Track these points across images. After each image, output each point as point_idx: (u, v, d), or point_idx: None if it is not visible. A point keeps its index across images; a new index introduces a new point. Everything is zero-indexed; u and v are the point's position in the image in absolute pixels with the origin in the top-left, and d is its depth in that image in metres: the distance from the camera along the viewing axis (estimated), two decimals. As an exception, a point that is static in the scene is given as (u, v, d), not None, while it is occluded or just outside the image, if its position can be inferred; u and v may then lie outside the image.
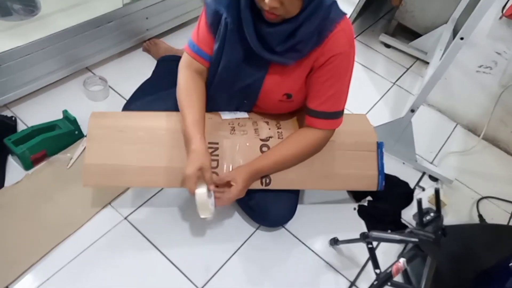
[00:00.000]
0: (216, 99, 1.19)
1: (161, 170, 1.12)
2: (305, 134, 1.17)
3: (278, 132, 1.22)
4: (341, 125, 1.18)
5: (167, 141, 1.14)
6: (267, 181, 1.19)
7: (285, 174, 1.19)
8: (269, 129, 1.22)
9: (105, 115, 1.21)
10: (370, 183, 1.30)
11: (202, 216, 1.06)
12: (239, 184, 1.09)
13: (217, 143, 1.16)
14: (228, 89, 1.16)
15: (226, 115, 1.23)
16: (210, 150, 1.14)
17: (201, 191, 1.00)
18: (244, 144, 1.18)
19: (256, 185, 1.18)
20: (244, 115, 1.25)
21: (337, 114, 1.14)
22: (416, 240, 0.94)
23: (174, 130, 1.16)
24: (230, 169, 1.15)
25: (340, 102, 1.13)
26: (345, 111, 1.17)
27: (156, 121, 1.18)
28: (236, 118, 1.23)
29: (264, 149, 1.18)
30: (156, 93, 1.37)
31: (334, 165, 1.26)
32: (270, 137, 1.20)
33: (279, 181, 1.20)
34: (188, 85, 1.11)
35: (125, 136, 1.13)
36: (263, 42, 1.02)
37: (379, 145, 1.31)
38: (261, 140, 1.20)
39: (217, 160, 1.15)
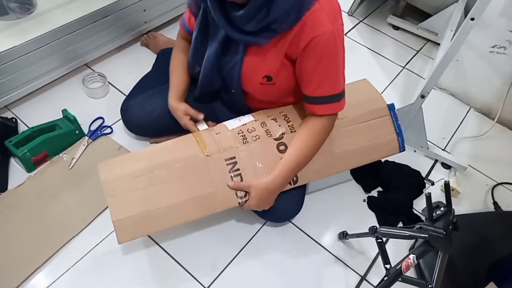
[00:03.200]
0: (207, 92, 1.22)
1: (191, 202, 1.07)
2: (312, 125, 1.12)
3: (289, 126, 1.19)
4: (347, 99, 1.13)
5: (185, 172, 1.09)
6: (294, 179, 1.17)
7: (310, 166, 1.16)
8: (279, 125, 1.18)
9: (113, 163, 1.13)
10: (392, 147, 1.29)
11: None
12: (252, 199, 1.10)
13: (234, 157, 1.12)
14: (214, 80, 1.15)
15: (232, 124, 1.19)
16: (230, 166, 1.11)
17: (201, 127, 1.22)
18: (259, 148, 1.14)
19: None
20: (249, 118, 1.21)
21: (338, 97, 1.09)
22: (426, 236, 0.90)
23: (188, 157, 1.11)
24: (255, 177, 1.12)
25: (337, 84, 1.07)
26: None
27: (167, 154, 1.12)
28: (243, 125, 1.19)
29: (281, 147, 1.15)
30: (156, 87, 1.35)
31: (353, 142, 1.24)
32: (283, 133, 1.17)
33: (305, 176, 1.18)
34: (176, 56, 1.31)
35: (142, 180, 1.07)
36: (233, 24, 0.99)
37: (390, 108, 1.29)
38: (275, 139, 1.16)
39: (240, 174, 1.11)
